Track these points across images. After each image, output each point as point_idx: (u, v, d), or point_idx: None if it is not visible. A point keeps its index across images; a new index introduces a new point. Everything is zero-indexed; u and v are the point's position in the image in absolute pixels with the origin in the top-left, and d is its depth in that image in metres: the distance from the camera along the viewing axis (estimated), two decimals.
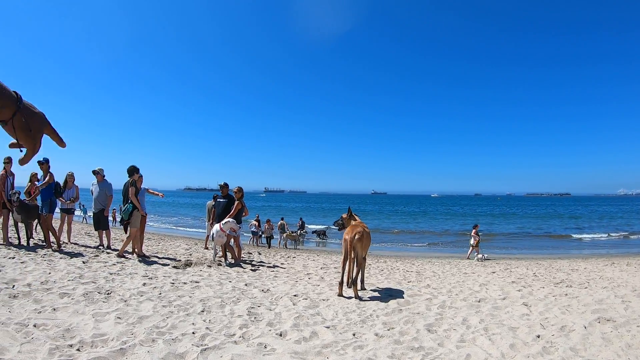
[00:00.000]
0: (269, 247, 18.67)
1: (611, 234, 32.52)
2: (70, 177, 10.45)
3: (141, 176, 9.49)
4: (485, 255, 16.81)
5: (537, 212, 69.32)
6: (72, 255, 8.50)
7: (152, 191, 10.80)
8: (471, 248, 17.81)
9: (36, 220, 9.93)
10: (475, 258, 16.44)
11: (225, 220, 9.40)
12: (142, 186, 9.66)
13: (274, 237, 20.89)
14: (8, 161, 9.28)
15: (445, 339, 4.74)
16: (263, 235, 20.50)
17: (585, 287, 8.53)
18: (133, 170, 9.27)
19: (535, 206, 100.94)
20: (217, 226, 9.46)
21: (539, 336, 4.90)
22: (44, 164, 9.29)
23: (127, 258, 8.83)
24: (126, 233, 9.35)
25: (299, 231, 22.77)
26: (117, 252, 9.17)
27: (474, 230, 18.12)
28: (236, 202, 9.93)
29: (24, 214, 9.12)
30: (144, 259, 8.94)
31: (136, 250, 9.44)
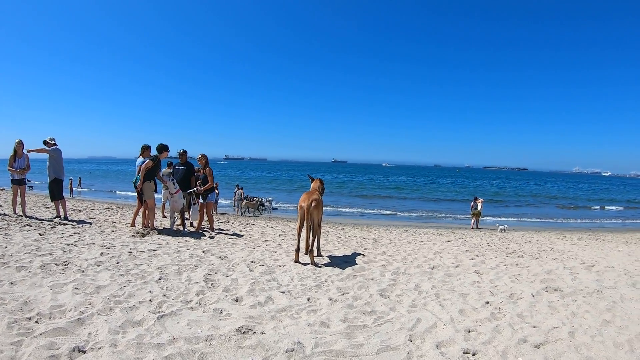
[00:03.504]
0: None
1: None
2: (18, 145, 9.87)
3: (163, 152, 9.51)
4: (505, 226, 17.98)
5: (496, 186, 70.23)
6: (29, 227, 8.41)
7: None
8: (475, 218, 19.48)
9: None
10: (499, 229, 17.31)
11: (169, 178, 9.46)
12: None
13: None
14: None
15: (397, 304, 4.98)
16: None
17: (536, 258, 8.96)
18: (162, 149, 9.37)
19: (493, 179, 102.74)
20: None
21: (488, 302, 5.19)
22: None
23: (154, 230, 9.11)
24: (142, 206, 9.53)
25: (259, 199, 22.98)
26: (148, 227, 9.24)
27: (479, 200, 19.84)
28: (207, 169, 9.86)
29: None
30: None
31: (149, 223, 9.35)
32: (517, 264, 8.00)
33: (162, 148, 9.35)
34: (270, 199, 25.22)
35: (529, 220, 26.59)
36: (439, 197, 44.30)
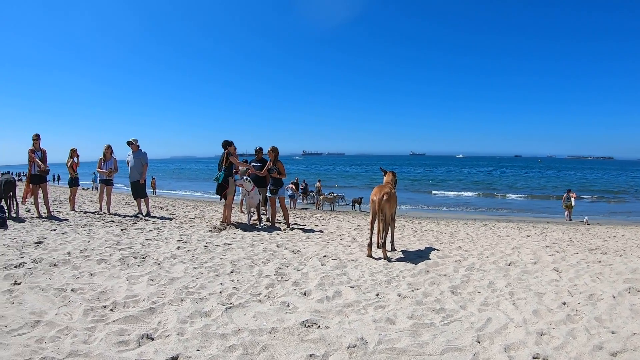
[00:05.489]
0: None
1: None
2: (107, 149, 10.96)
3: (235, 148, 9.79)
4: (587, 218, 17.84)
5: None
6: (112, 224, 8.92)
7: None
8: (568, 211, 19.87)
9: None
10: (585, 221, 17.31)
11: (244, 177, 9.61)
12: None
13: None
14: (36, 138, 9.67)
15: (469, 302, 4.68)
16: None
17: (621, 255, 8.14)
18: (227, 144, 9.58)
19: (577, 170, 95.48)
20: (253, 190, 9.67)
21: (564, 303, 4.71)
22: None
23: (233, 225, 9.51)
24: (223, 200, 9.71)
25: (334, 194, 23.08)
26: (223, 223, 9.56)
27: (572, 194, 20.22)
28: (278, 162, 9.79)
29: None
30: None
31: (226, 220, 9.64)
32: (599, 262, 7.24)
33: (227, 144, 9.50)
34: (341, 195, 25.10)
35: (615, 213, 24.42)
36: (519, 191, 41.84)
